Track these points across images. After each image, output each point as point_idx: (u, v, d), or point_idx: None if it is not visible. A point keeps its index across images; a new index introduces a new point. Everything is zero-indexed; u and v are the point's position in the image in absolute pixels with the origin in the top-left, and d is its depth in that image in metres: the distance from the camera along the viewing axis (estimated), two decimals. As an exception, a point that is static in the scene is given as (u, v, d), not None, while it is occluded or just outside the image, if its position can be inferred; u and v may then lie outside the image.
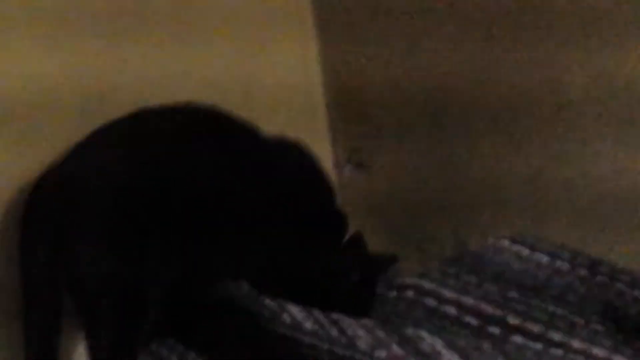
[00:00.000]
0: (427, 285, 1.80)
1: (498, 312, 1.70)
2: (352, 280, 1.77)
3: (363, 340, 1.57)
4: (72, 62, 1.67)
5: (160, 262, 1.58)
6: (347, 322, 1.61)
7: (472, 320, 1.70)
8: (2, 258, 1.58)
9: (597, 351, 1.59)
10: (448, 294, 1.76)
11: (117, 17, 1.72)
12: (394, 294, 1.83)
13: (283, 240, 1.70)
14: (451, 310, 1.73)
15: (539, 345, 1.63)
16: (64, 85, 1.66)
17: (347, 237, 1.79)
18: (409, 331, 1.60)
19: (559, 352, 1.61)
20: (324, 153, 2.09)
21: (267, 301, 1.64)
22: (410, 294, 1.80)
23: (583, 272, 1.71)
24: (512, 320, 1.67)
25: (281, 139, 1.75)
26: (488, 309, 1.71)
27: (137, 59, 1.75)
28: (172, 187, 1.58)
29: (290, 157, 1.76)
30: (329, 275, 1.76)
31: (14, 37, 1.60)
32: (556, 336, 1.63)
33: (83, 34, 1.68)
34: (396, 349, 1.55)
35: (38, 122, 1.64)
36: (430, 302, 1.76)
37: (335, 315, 1.63)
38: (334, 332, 1.59)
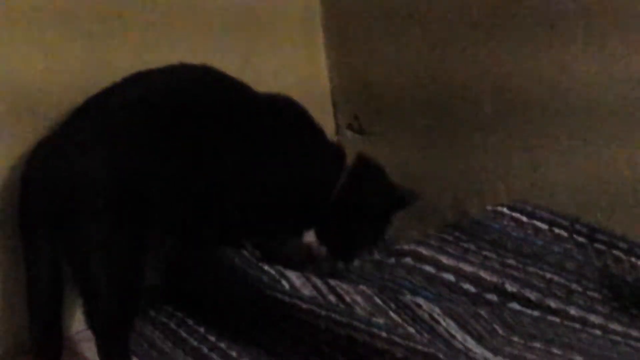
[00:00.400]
0: (425, 252, 1.81)
1: (496, 279, 1.71)
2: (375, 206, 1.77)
3: (361, 307, 1.57)
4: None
5: (156, 225, 1.58)
6: (345, 289, 1.61)
7: (470, 287, 1.71)
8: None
9: (593, 318, 1.61)
10: (446, 260, 1.77)
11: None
12: (392, 260, 1.84)
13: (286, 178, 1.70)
14: (449, 277, 1.74)
15: (536, 313, 1.64)
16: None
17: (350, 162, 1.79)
18: (407, 299, 1.61)
19: (555, 319, 1.62)
20: (326, 120, 2.09)
21: (266, 267, 1.64)
22: (408, 260, 1.81)
23: (581, 239, 1.72)
24: (510, 287, 1.68)
25: (272, 94, 1.74)
26: (486, 276, 1.72)
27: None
28: (168, 145, 1.58)
29: (281, 106, 1.74)
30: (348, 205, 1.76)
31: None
32: (553, 303, 1.64)
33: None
34: (394, 316, 1.56)
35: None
36: (429, 268, 1.77)
37: (332, 282, 1.63)
38: (332, 298, 1.60)
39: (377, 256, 1.96)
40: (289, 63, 2.03)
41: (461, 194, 1.94)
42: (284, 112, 1.74)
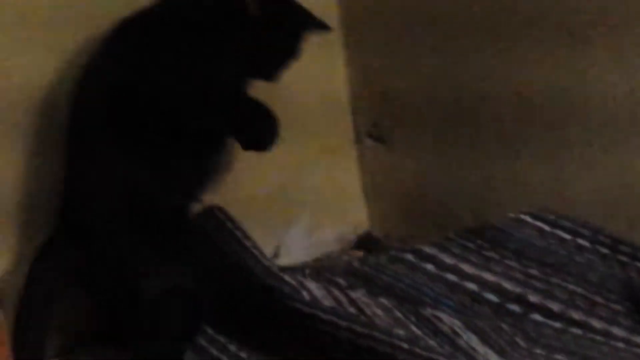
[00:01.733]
0: (448, 259, 1.79)
1: (518, 290, 1.69)
2: None
3: (381, 319, 1.57)
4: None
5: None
6: (365, 302, 1.61)
7: (493, 297, 1.70)
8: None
9: (616, 331, 1.59)
10: (469, 269, 1.76)
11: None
12: (409, 256, 1.81)
13: None
14: (472, 286, 1.73)
15: (558, 324, 1.63)
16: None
17: None
18: (427, 312, 1.60)
19: (578, 331, 1.61)
20: (345, 127, 2.08)
21: (287, 277, 1.64)
22: (431, 267, 1.79)
23: (604, 250, 1.70)
24: (532, 298, 1.67)
25: None
26: (508, 286, 1.70)
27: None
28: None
29: None
30: None
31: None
32: (576, 315, 1.63)
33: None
34: (414, 330, 1.56)
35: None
36: (451, 277, 1.76)
37: (353, 294, 1.63)
38: (352, 310, 1.59)
39: (393, 252, 1.93)
40: (306, 68, 2.01)
41: (481, 204, 1.93)
42: None
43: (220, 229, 1.78)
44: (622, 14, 1.63)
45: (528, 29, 1.77)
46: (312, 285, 1.63)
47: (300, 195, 2.01)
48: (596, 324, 1.61)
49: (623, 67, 1.65)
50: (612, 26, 1.64)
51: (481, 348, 1.54)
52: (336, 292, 1.63)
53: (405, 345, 1.45)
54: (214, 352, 1.67)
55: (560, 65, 1.73)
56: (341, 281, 1.74)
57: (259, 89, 1.69)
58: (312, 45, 1.87)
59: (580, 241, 1.73)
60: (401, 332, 1.52)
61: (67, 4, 1.67)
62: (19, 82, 1.63)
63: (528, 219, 1.81)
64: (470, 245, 1.81)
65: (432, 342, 1.53)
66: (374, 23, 2.05)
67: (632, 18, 1.62)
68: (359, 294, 1.64)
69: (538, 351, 1.56)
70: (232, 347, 1.68)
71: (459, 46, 1.89)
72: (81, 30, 1.67)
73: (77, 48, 1.67)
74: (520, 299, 1.68)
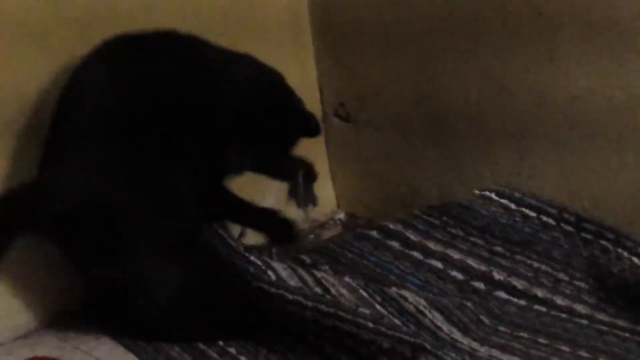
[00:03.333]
0: (413, 237, 1.80)
1: (483, 267, 1.70)
2: None
3: (346, 299, 1.57)
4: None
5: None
6: (331, 282, 1.61)
7: (458, 275, 1.71)
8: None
9: (580, 308, 1.61)
10: (434, 247, 1.77)
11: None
12: (374, 233, 1.82)
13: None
14: (437, 264, 1.74)
15: (522, 301, 1.64)
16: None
17: None
18: (392, 291, 1.61)
19: (542, 308, 1.62)
20: (313, 107, 2.08)
21: (253, 258, 1.63)
22: (396, 245, 1.80)
23: (569, 227, 1.71)
24: (497, 275, 1.68)
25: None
26: (474, 264, 1.72)
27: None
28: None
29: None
30: None
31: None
32: (540, 292, 1.64)
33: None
34: (379, 309, 1.56)
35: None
36: (417, 254, 1.77)
37: (318, 274, 1.63)
38: (318, 290, 1.59)
39: (359, 229, 1.93)
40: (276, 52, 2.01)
41: (447, 182, 1.93)
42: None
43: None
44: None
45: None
46: (278, 265, 1.63)
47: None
48: (560, 301, 1.62)
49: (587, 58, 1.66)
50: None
51: (446, 326, 1.54)
52: (301, 271, 1.63)
53: (371, 324, 1.45)
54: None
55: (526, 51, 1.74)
56: (306, 258, 1.75)
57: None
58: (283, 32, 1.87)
59: (545, 219, 1.74)
60: (366, 311, 1.52)
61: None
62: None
63: (494, 196, 1.82)
64: (436, 222, 1.82)
65: (397, 321, 1.54)
66: (341, 16, 2.05)
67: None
68: (324, 273, 1.64)
69: (502, 328, 1.58)
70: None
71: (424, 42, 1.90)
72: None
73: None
74: (485, 277, 1.69)
